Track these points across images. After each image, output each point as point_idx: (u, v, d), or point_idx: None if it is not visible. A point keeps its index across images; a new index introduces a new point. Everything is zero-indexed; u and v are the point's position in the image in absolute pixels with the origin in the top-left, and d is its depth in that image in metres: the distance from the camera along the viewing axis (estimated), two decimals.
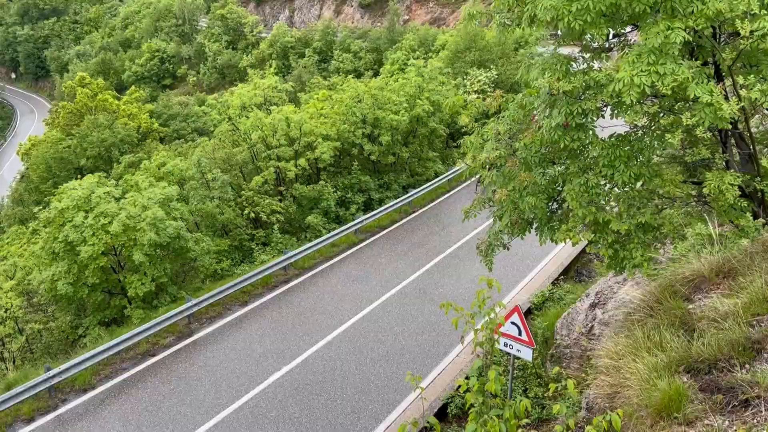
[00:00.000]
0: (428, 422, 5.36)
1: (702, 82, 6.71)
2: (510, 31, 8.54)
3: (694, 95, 6.65)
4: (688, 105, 7.54)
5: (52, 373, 14.51)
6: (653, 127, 8.19)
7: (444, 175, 29.42)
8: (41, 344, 22.97)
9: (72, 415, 13.99)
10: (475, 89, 35.25)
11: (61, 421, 13.76)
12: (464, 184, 28.17)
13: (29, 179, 47.87)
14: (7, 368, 21.01)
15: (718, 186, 7.23)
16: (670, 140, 8.26)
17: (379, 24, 69.15)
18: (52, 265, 19.64)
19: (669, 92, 6.73)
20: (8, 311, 23.59)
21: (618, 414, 4.22)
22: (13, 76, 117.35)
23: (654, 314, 6.66)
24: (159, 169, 27.81)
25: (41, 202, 26.61)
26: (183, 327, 17.51)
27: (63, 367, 14.81)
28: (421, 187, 27.79)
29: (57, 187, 23.93)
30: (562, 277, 18.65)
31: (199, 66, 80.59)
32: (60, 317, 22.37)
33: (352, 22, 73.87)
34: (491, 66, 37.59)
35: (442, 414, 13.10)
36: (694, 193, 8.47)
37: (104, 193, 20.31)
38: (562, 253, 20.07)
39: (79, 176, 31.85)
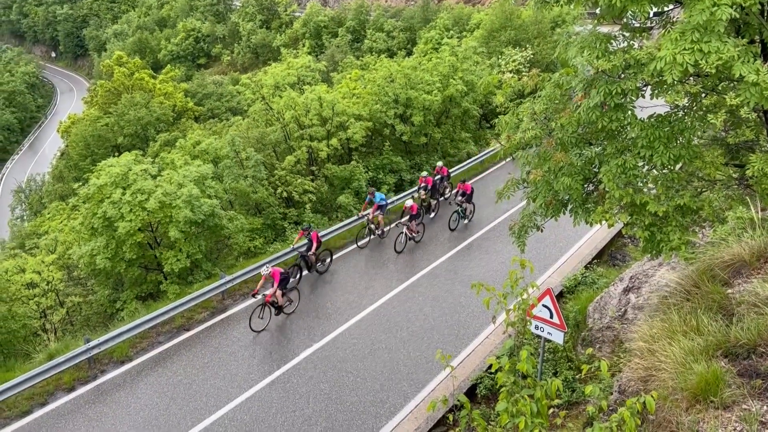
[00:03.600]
0: (458, 400, 5.38)
1: (748, 61, 6.48)
2: (548, 9, 8.36)
3: (740, 74, 6.42)
4: (732, 84, 7.31)
5: (91, 344, 14.97)
6: (695, 108, 7.97)
7: (477, 156, 29.22)
8: (81, 317, 23.74)
9: (110, 385, 14.43)
10: (510, 69, 34.73)
11: (100, 391, 14.22)
12: (497, 166, 27.93)
13: (69, 156, 49.08)
14: (48, 339, 21.75)
15: (762, 168, 7.00)
16: (712, 121, 8.03)
17: (412, 3, 68.42)
18: (91, 241, 20.16)
19: (713, 71, 6.51)
20: (50, 284, 24.39)
21: (652, 396, 4.18)
22: (53, 55, 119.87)
23: (691, 298, 6.56)
24: (194, 147, 28.23)
25: (80, 179, 27.24)
26: (217, 303, 17.85)
27: (101, 339, 15.27)
28: (453, 168, 27.63)
29: (95, 164, 24.45)
30: (595, 260, 18.41)
31: (234, 45, 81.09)
32: (99, 291, 23.02)
33: (386, 1, 73.23)
34: (527, 45, 36.97)
35: (470, 395, 13.13)
36: (735, 175, 8.24)
37: (141, 170, 20.68)
38: (596, 236, 19.81)
39: (116, 154, 32.51)
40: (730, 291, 6.26)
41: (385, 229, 21.64)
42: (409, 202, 20.58)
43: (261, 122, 29.48)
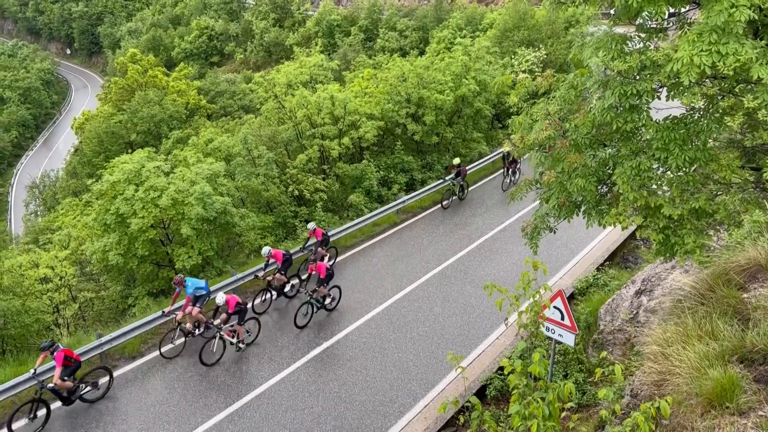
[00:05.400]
0: (469, 401, 5.35)
1: (766, 63, 6.41)
2: (563, 10, 8.32)
3: (758, 76, 6.36)
4: (750, 87, 7.23)
5: (103, 339, 15.08)
6: (711, 110, 7.89)
7: (488, 156, 29.12)
8: (93, 312, 23.92)
9: (121, 380, 14.52)
10: (523, 69, 34.58)
11: (112, 387, 14.28)
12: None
13: (83, 153, 49.45)
14: (61, 333, 21.92)
15: None
16: (729, 123, 7.95)
17: (425, 2, 68.33)
18: (104, 237, 20.30)
19: (730, 73, 6.46)
20: (63, 279, 24.60)
21: (667, 401, 4.14)
22: (68, 52, 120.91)
23: (705, 302, 6.50)
24: (206, 145, 28.34)
25: (94, 175, 27.43)
26: None
27: (113, 334, 15.37)
28: (470, 167, 27.52)
29: (109, 161, 24.61)
30: (607, 262, 18.29)
31: (247, 44, 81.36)
32: (111, 287, 23.18)
33: (399, 0, 73.15)
34: (540, 46, 36.80)
35: (480, 395, 13.09)
36: (752, 179, 8.15)
37: (154, 167, 20.77)
38: (608, 238, 19.68)
39: (129, 150, 32.71)
40: (745, 295, 6.20)
41: (196, 331, 15.86)
42: (221, 298, 14.75)
43: (273, 120, 29.54)
